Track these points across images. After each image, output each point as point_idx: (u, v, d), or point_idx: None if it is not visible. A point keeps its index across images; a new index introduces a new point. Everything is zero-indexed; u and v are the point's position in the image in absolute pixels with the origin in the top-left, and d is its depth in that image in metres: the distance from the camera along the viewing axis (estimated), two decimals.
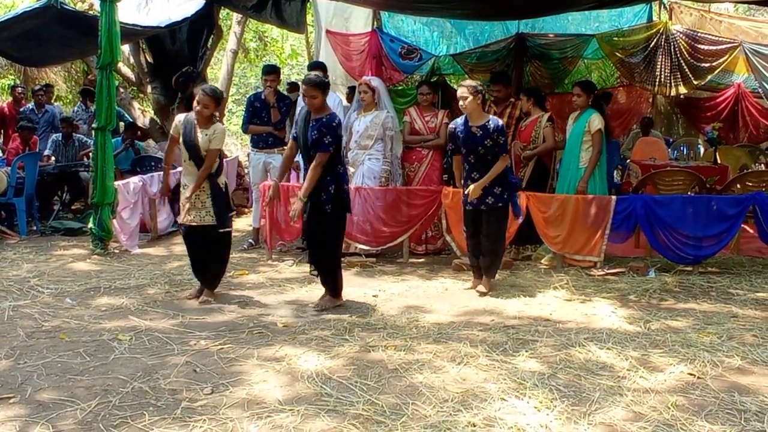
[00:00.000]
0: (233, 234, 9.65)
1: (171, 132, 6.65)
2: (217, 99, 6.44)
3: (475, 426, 3.82)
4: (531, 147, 8.18)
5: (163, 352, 5.04)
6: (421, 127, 8.55)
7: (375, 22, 10.52)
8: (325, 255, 6.33)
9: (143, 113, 15.50)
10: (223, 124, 6.53)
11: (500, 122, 6.74)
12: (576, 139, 7.89)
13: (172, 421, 3.87)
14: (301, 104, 8.65)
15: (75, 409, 4.02)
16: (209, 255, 6.49)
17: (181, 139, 6.43)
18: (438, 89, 9.85)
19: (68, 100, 17.26)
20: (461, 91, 6.65)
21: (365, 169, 8.22)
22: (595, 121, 7.75)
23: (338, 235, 6.39)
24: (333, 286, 6.33)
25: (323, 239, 6.26)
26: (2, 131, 12.64)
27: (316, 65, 9.09)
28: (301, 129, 6.22)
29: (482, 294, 6.68)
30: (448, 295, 6.78)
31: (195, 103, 6.35)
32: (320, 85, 6.15)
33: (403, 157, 8.65)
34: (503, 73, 9.43)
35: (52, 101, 13.13)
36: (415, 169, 8.62)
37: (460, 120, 6.82)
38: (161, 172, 9.57)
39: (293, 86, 11.04)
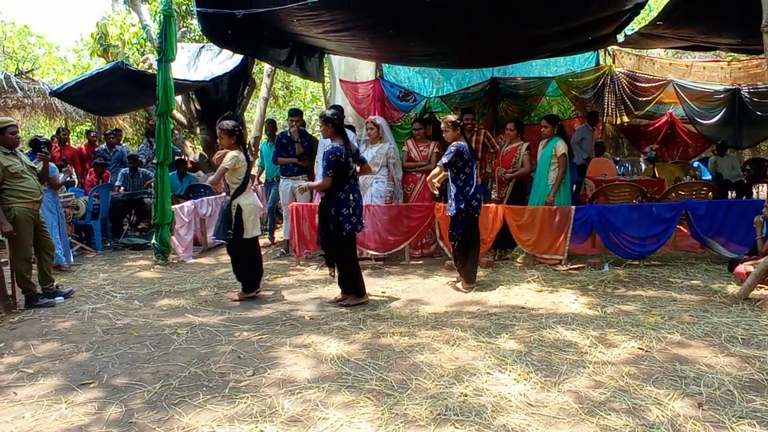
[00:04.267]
0: (270, 244, 9.70)
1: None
2: (230, 132, 6.36)
3: (466, 396, 3.79)
4: (511, 170, 8.15)
5: (214, 342, 5.01)
6: (416, 155, 8.54)
7: (378, 72, 10.53)
8: (339, 263, 6.25)
9: (194, 150, 15.53)
10: (239, 152, 6.37)
11: (451, 148, 6.57)
12: (545, 161, 7.85)
13: (222, 399, 3.85)
14: (322, 143, 8.67)
15: (143, 391, 4.00)
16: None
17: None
18: (429, 124, 9.85)
19: (134, 141, 17.31)
20: (443, 126, 6.67)
21: (373, 190, 8.20)
22: (560, 147, 7.73)
23: (344, 248, 6.17)
24: (344, 286, 6.23)
25: (336, 251, 6.19)
26: (80, 167, 12.67)
27: (336, 107, 9.09)
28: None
29: (458, 290, 6.69)
30: (442, 290, 6.74)
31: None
32: (323, 119, 6.18)
33: (402, 180, 8.62)
34: (472, 108, 9.45)
35: (121, 142, 13.17)
36: (412, 189, 8.60)
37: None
38: (210, 197, 9.64)
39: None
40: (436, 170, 6.53)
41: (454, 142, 6.57)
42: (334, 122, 6.12)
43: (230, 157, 6.24)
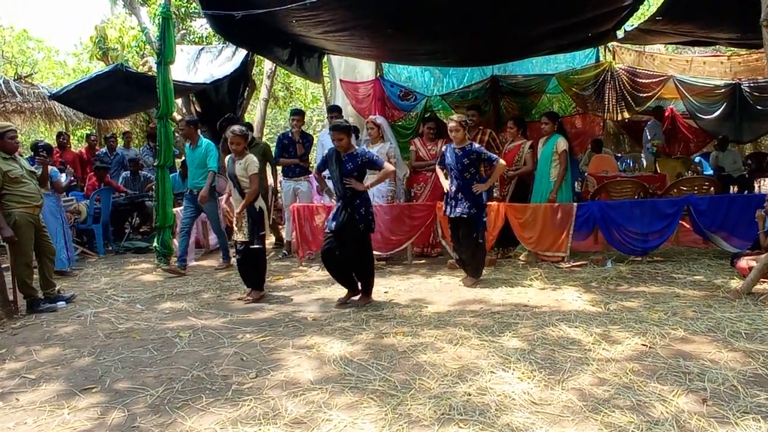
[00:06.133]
0: (269, 246, 9.68)
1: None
2: (245, 136, 6.40)
3: (470, 395, 3.77)
4: (514, 168, 8.13)
5: (216, 345, 5.01)
6: (425, 154, 8.49)
7: (378, 72, 10.53)
8: (363, 265, 6.19)
9: None
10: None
11: (476, 145, 6.72)
12: (546, 158, 7.84)
13: (225, 402, 3.84)
14: (320, 143, 8.68)
15: (145, 395, 3.99)
16: (249, 263, 6.47)
17: (226, 173, 6.44)
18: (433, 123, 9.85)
19: (135, 144, 17.28)
20: (452, 125, 6.66)
21: (374, 189, 8.16)
22: (561, 144, 7.72)
23: (371, 247, 6.30)
24: (368, 288, 6.23)
25: (361, 253, 6.15)
26: (81, 171, 12.67)
27: (334, 108, 9.11)
28: (335, 166, 6.09)
29: (467, 286, 6.75)
30: (444, 289, 6.73)
31: (229, 143, 6.32)
32: (346, 130, 6.11)
33: (411, 179, 8.63)
34: (478, 105, 9.45)
35: (130, 145, 13.21)
36: (422, 189, 8.55)
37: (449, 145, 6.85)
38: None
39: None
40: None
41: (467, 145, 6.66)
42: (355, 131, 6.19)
43: (255, 164, 6.38)
